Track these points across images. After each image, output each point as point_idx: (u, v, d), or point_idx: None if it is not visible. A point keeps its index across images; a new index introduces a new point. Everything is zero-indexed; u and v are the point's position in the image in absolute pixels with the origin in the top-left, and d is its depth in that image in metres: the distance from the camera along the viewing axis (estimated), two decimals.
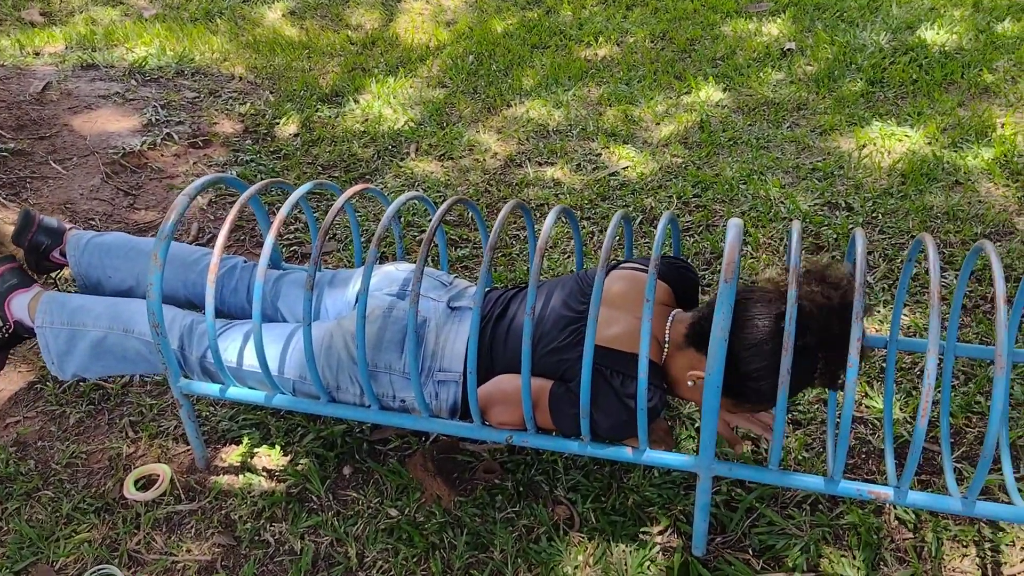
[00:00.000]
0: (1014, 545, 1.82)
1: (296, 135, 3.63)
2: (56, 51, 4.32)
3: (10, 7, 4.88)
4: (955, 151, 3.22)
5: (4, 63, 4.10)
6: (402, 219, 3.03)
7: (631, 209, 3.04)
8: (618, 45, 4.38)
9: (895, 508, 1.91)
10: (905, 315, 2.45)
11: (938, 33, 4.12)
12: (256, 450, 2.14)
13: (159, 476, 2.07)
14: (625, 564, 1.82)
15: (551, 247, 2.88)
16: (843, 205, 2.98)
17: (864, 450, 2.07)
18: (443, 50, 4.40)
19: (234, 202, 3.03)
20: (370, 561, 1.87)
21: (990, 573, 1.78)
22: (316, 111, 3.78)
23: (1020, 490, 1.92)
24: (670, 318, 1.78)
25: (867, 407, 2.17)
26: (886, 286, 2.58)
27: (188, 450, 2.15)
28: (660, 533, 1.89)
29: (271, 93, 3.99)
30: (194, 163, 3.42)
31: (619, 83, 3.96)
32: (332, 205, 2.61)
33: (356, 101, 3.87)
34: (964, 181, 3.05)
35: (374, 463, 2.09)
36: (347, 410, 1.89)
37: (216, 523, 1.97)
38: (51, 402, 2.30)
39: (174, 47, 4.38)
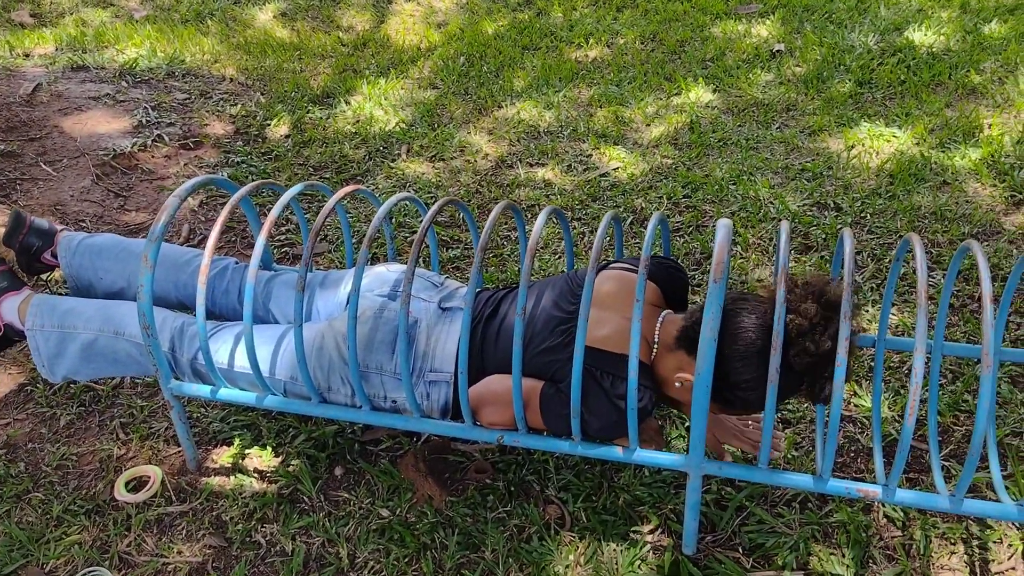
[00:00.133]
0: (1001, 542, 1.84)
1: (287, 136, 3.63)
2: (46, 52, 4.30)
3: None
4: (943, 151, 3.24)
5: None
6: (393, 220, 3.04)
7: (621, 210, 3.05)
8: (608, 47, 4.39)
9: (884, 506, 1.92)
10: (893, 314, 2.47)
11: (926, 34, 4.14)
12: (247, 451, 2.14)
13: (150, 478, 2.07)
14: (616, 563, 1.83)
15: (542, 248, 2.89)
16: (832, 205, 3.00)
17: (853, 449, 2.09)
18: (434, 51, 4.40)
19: (225, 203, 3.03)
20: (361, 562, 1.87)
21: (978, 570, 1.79)
22: (307, 112, 3.78)
23: (1007, 488, 1.94)
24: (660, 319, 1.78)
25: (856, 406, 2.19)
26: (874, 286, 2.60)
27: (179, 451, 2.15)
28: (651, 532, 1.90)
29: (262, 94, 3.99)
30: (185, 164, 3.42)
31: (609, 84, 3.97)
32: (323, 206, 2.60)
33: (347, 102, 3.87)
34: (952, 181, 3.07)
35: (365, 464, 2.09)
36: (338, 411, 1.89)
37: (207, 524, 1.97)
38: (41, 404, 2.29)
39: (165, 48, 4.37)
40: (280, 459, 2.12)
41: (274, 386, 1.92)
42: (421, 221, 3.01)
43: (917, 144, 3.31)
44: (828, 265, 2.69)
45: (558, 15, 4.78)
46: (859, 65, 3.93)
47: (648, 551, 1.86)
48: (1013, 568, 1.79)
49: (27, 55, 4.27)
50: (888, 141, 3.35)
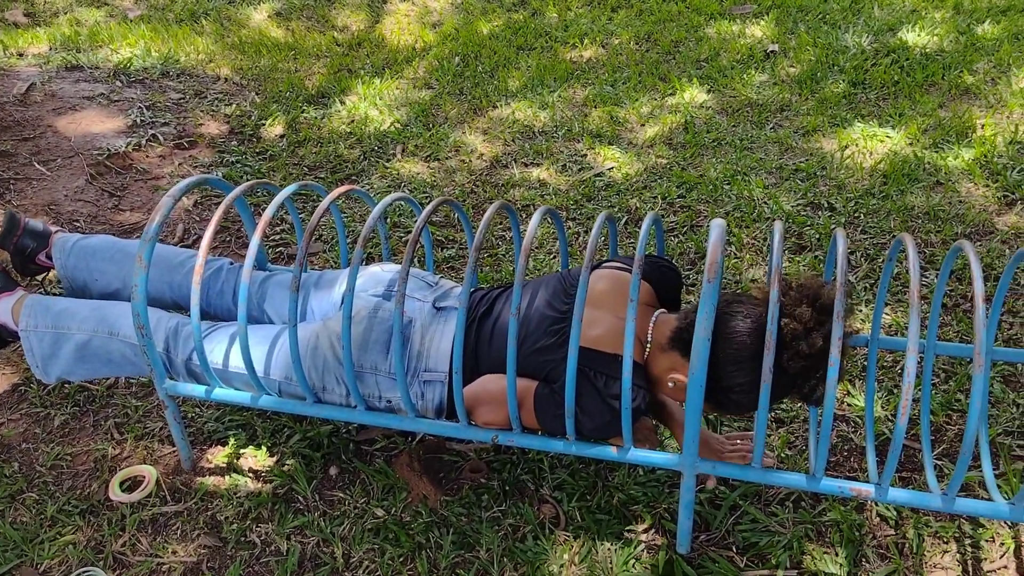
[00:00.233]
0: (994, 541, 1.85)
1: (282, 136, 3.63)
2: (40, 52, 4.30)
3: None
4: (936, 152, 3.25)
5: None
6: (388, 220, 3.04)
7: (616, 210, 3.06)
8: (603, 47, 4.39)
9: (877, 505, 1.93)
10: (886, 314, 2.48)
11: (919, 35, 4.16)
12: (242, 451, 2.14)
13: (144, 478, 2.07)
14: (610, 562, 1.83)
15: (536, 247, 2.89)
16: (825, 205, 3.01)
17: (846, 448, 2.09)
18: (429, 51, 4.40)
19: (219, 203, 3.03)
20: (356, 561, 1.87)
21: (970, 569, 1.80)
22: (302, 112, 3.78)
23: (999, 486, 1.95)
24: (653, 318, 1.78)
25: (849, 405, 2.19)
26: (868, 285, 2.61)
27: (174, 451, 2.14)
28: (645, 531, 1.90)
29: (257, 94, 3.98)
30: (179, 164, 3.42)
31: (604, 84, 3.98)
32: (318, 206, 2.60)
33: (342, 102, 3.87)
34: (945, 181, 3.08)
35: (360, 463, 2.09)
36: (333, 411, 1.89)
37: (202, 524, 1.97)
38: (35, 404, 2.29)
39: (159, 48, 4.36)
40: (275, 459, 2.12)
41: (269, 386, 1.92)
42: (416, 221, 3.01)
43: (910, 144, 3.32)
44: (822, 265, 2.70)
45: (553, 15, 4.78)
46: (853, 66, 3.94)
47: (642, 550, 1.86)
48: (1005, 566, 1.79)
49: (21, 55, 4.26)
50: (881, 141, 3.36)
